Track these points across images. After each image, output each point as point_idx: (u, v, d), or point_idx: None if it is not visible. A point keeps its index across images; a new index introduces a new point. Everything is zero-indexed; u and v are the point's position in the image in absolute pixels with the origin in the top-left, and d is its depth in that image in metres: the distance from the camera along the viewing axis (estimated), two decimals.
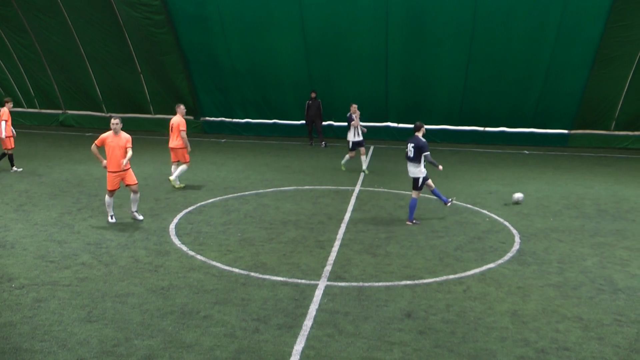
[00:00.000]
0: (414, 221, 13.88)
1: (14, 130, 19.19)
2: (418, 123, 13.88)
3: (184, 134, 16.73)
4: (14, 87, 30.01)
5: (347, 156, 20.30)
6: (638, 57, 23.50)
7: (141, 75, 27.71)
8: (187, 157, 17.04)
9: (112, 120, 13.13)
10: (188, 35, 25.88)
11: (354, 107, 20.10)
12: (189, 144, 16.90)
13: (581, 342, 8.13)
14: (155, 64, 26.99)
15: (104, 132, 13.54)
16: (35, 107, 30.62)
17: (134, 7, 25.08)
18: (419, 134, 13.71)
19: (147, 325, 8.34)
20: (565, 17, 22.96)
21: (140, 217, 13.69)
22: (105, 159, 13.16)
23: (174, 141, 16.88)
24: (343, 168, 20.25)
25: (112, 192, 13.33)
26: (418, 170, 13.70)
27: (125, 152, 13.16)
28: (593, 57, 23.74)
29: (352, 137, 19.87)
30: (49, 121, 30.30)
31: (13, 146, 18.88)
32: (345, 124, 26.87)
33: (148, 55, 26.86)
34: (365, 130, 20.17)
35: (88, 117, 29.83)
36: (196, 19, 25.30)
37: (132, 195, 13.55)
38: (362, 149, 20.02)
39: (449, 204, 14.52)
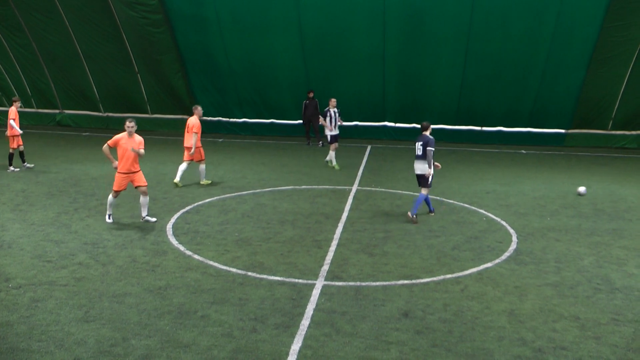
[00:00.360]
0: (415, 216, 13.88)
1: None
2: (425, 123, 14.23)
3: (195, 136, 17.06)
4: (11, 87, 29.95)
5: (331, 152, 20.70)
6: (635, 57, 23.57)
7: (138, 74, 27.69)
8: (203, 154, 17.50)
9: (127, 123, 13.13)
10: (185, 34, 25.88)
11: (333, 101, 20.91)
12: (194, 146, 17.10)
13: (578, 342, 8.14)
14: (152, 64, 26.97)
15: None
16: (33, 107, 30.56)
17: (131, 7, 25.06)
18: (427, 133, 14.02)
19: (144, 325, 8.33)
20: (562, 16, 23.00)
21: (154, 219, 13.63)
22: (117, 159, 13.18)
23: (189, 141, 17.20)
24: (337, 167, 20.34)
25: (117, 193, 13.29)
26: (427, 167, 13.84)
27: (138, 155, 13.24)
28: (590, 56, 23.80)
29: (329, 131, 20.67)
30: (46, 121, 30.27)
31: (15, 146, 18.93)
32: (345, 123, 27.09)
33: (145, 55, 26.85)
34: (342, 122, 21.50)
35: (85, 117, 29.77)
36: (193, 19, 25.30)
37: (141, 198, 13.45)
38: (336, 144, 20.75)
39: (432, 214, 14.64)
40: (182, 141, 17.69)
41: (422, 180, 14.05)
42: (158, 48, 26.20)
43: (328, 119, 20.66)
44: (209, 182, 17.67)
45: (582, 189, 17.19)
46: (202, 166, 17.53)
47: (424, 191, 14.09)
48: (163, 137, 26.47)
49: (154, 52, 26.40)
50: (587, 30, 23.20)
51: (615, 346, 8.05)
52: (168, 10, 25.15)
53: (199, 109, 17.69)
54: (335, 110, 20.82)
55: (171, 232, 12.74)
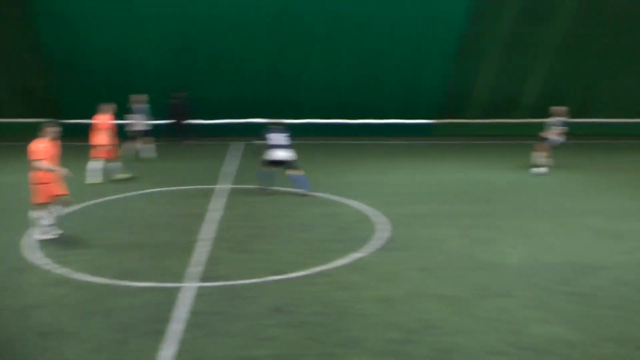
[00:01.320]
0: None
1: None
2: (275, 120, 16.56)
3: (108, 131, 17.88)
4: None
5: (147, 146, 21.97)
6: (497, 52, 25.34)
7: None
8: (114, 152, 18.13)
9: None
10: (47, 30, 24.38)
11: (142, 97, 21.91)
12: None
13: (446, 318, 8.44)
14: (8, 62, 25.34)
15: None
16: None
17: None
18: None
19: (5, 351, 7.72)
20: (426, 15, 24.39)
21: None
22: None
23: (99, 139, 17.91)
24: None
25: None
26: (292, 154, 16.02)
27: None
28: (456, 51, 25.34)
29: (139, 127, 21.69)
30: None
31: None
32: (226, 120, 26.80)
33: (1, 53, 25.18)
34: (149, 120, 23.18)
35: None
36: (56, 16, 23.97)
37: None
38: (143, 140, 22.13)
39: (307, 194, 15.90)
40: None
41: (291, 163, 16.03)
42: (16, 45, 24.72)
43: (138, 116, 21.38)
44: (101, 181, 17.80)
45: None
46: (113, 164, 17.98)
47: (299, 172, 16.02)
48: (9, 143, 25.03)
49: (10, 49, 24.90)
50: (452, 26, 24.75)
51: (483, 318, 8.43)
52: (28, 5, 23.73)
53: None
54: (146, 107, 21.79)
55: (31, 246, 11.96)
